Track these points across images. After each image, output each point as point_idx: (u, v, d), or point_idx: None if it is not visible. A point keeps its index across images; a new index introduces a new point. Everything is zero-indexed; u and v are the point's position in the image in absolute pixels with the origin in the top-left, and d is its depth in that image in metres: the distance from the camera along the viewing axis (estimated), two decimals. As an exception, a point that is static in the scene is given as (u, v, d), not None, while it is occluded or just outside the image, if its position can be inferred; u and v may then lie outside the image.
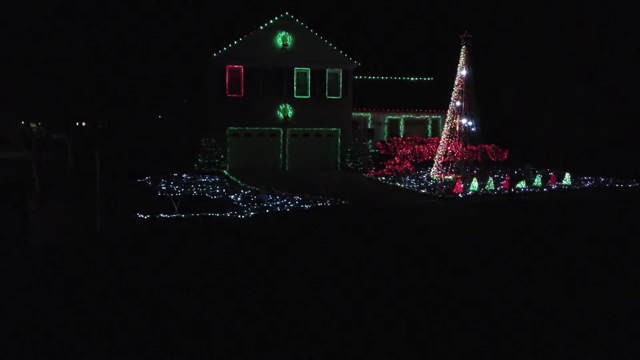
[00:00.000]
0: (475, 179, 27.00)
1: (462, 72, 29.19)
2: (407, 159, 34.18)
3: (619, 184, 27.63)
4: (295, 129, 33.33)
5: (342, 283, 11.68)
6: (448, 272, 12.64)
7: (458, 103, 29.24)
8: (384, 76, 41.22)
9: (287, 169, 33.12)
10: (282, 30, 32.37)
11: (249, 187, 24.84)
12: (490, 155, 35.75)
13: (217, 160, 30.93)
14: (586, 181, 28.53)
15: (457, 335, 9.00)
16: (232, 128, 32.47)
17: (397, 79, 41.44)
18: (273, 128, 33.09)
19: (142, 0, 48.60)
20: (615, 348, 8.65)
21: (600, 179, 28.76)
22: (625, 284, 11.94)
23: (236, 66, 32.16)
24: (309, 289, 11.36)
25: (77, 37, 23.59)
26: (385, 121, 38.63)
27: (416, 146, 36.91)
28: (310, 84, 33.34)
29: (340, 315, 9.78)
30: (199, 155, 30.88)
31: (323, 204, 21.59)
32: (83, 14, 24.47)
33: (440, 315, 9.80)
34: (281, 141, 33.23)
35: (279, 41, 32.33)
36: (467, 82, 29.07)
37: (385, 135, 38.46)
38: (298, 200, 21.99)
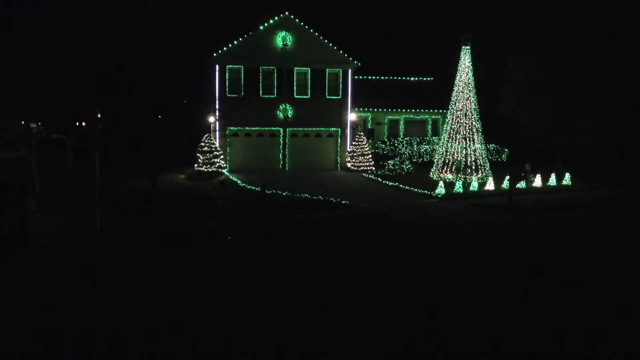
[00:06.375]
0: (475, 179, 27.02)
1: (462, 72, 29.13)
2: (407, 158, 34.14)
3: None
4: (295, 129, 33.30)
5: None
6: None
7: (458, 103, 29.20)
8: (384, 76, 41.13)
9: (287, 169, 33.09)
10: (282, 30, 32.34)
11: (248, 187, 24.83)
12: (490, 156, 35.69)
13: (217, 160, 30.90)
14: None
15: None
16: (232, 128, 32.45)
17: (397, 79, 41.38)
18: (273, 128, 33.06)
19: (141, -1, 48.41)
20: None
21: None
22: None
23: (236, 66, 32.14)
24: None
25: (77, 36, 23.50)
26: (385, 121, 38.58)
27: (416, 146, 36.89)
28: (310, 84, 33.31)
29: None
30: (199, 155, 30.85)
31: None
32: (82, 13, 24.37)
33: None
34: (281, 141, 33.20)
35: (279, 41, 32.31)
36: (467, 82, 29.01)
37: (385, 135, 38.42)
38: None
